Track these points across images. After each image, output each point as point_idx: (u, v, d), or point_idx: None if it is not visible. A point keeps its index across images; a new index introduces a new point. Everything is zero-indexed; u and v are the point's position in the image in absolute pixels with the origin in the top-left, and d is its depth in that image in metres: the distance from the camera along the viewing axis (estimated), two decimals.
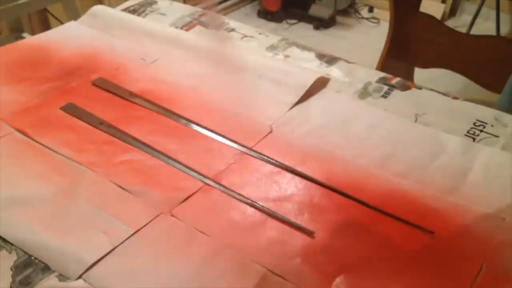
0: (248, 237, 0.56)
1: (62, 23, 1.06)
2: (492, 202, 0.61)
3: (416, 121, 0.75)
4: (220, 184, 0.63)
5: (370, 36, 2.46)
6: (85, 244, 0.54)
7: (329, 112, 0.77)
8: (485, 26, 2.29)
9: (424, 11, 1.64)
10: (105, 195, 0.61)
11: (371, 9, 2.72)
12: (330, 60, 0.91)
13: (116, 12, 1.03)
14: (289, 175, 0.66)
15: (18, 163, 0.65)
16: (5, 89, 0.79)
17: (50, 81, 0.82)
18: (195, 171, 0.65)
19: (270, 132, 0.73)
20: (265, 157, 0.68)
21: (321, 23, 2.56)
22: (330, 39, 2.48)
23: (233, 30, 1.00)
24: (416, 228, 0.58)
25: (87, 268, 0.52)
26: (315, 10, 2.58)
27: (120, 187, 0.62)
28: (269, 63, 0.86)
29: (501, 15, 2.26)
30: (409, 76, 1.71)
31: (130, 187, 0.62)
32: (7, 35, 1.58)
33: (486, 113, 0.76)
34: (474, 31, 2.06)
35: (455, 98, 0.80)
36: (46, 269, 0.52)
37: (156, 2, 1.10)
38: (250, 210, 0.60)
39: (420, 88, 0.83)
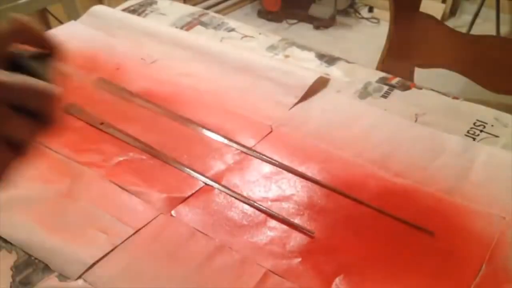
0: (248, 237, 0.56)
1: (62, 23, 1.06)
2: (492, 201, 0.61)
3: (416, 121, 0.75)
4: (220, 184, 0.63)
5: (370, 36, 2.46)
6: (85, 244, 0.54)
7: (329, 112, 0.77)
8: (485, 26, 2.29)
9: (424, 11, 1.64)
10: (105, 195, 0.61)
11: (371, 9, 2.72)
12: (330, 60, 0.91)
13: (116, 12, 1.03)
14: (289, 175, 0.66)
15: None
16: None
17: None
18: (195, 171, 0.65)
19: (270, 132, 0.73)
20: (265, 157, 0.68)
21: (321, 23, 2.56)
22: (330, 39, 2.48)
23: (233, 30, 1.00)
24: (416, 228, 0.58)
25: (87, 268, 0.52)
26: (315, 10, 2.58)
27: (120, 187, 0.62)
28: (269, 63, 0.86)
29: (501, 15, 2.26)
30: (409, 76, 1.71)
31: (130, 187, 0.62)
32: None
33: (486, 113, 0.76)
34: (474, 31, 2.06)
35: (455, 98, 0.80)
36: (46, 269, 0.52)
37: (156, 2, 1.10)
38: (250, 210, 0.60)
39: (420, 88, 0.83)
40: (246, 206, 0.61)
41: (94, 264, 0.52)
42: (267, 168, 0.67)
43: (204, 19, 1.04)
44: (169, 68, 0.87)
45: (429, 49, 1.62)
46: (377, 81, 0.84)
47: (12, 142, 0.33)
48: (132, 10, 1.07)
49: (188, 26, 1.02)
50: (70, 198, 0.60)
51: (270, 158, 0.68)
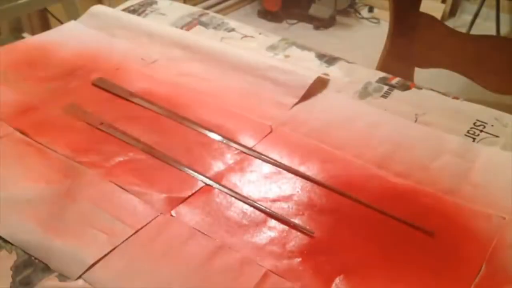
0: (248, 237, 0.56)
1: (62, 23, 1.06)
2: (492, 202, 0.61)
3: (416, 121, 0.75)
4: (220, 184, 0.63)
5: (370, 36, 2.46)
6: (85, 244, 0.54)
7: (329, 112, 0.77)
8: (485, 26, 2.29)
9: (424, 11, 1.64)
10: (105, 195, 0.61)
11: (371, 9, 2.71)
12: (330, 60, 0.91)
13: (115, 12, 1.03)
14: (289, 175, 0.66)
15: (18, 163, 0.65)
16: (5, 89, 0.79)
17: (50, 81, 0.82)
18: (195, 171, 0.65)
19: (270, 132, 0.73)
20: (265, 157, 0.68)
21: (321, 23, 2.56)
22: (330, 39, 2.48)
23: (233, 30, 1.00)
24: (416, 228, 0.58)
25: (87, 268, 0.52)
26: (315, 10, 2.58)
27: (120, 187, 0.62)
28: (269, 63, 0.86)
29: (501, 15, 2.26)
30: (409, 76, 1.71)
31: (130, 187, 0.62)
32: (7, 35, 1.58)
33: (486, 113, 0.76)
34: (474, 31, 2.06)
35: (455, 98, 0.80)
36: (46, 269, 0.52)
37: (156, 2, 1.10)
38: (250, 210, 0.60)
39: (420, 88, 0.83)
40: (246, 206, 0.61)
41: (94, 264, 0.52)
42: (267, 168, 0.67)
43: (204, 19, 1.04)
44: (169, 68, 0.87)
45: (429, 49, 1.62)
46: (377, 81, 0.84)
47: None
48: (132, 10, 1.07)
49: (188, 26, 1.02)
50: (70, 198, 0.60)
51: (270, 158, 0.68)
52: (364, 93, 0.81)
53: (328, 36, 2.51)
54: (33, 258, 0.53)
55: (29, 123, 0.72)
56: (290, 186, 0.64)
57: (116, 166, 0.65)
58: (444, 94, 0.81)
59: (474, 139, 0.72)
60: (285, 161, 0.67)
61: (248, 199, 0.61)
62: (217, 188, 0.63)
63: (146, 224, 0.57)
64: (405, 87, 0.83)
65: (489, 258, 0.54)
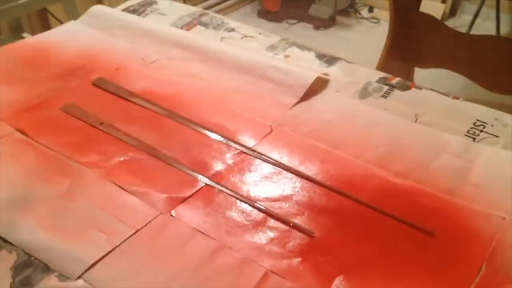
0: (248, 237, 0.56)
1: (62, 23, 1.06)
2: (492, 201, 0.61)
3: (416, 121, 0.75)
4: (220, 184, 0.63)
5: (370, 36, 2.46)
6: (85, 244, 0.54)
7: (329, 112, 0.77)
8: (485, 26, 2.29)
9: (424, 11, 1.64)
10: (105, 195, 0.61)
11: (371, 9, 2.71)
12: (330, 60, 0.91)
13: (115, 12, 1.03)
14: (289, 175, 0.66)
15: (18, 163, 0.65)
16: (5, 89, 0.79)
17: (50, 81, 0.82)
18: (195, 171, 0.65)
19: (270, 132, 0.73)
20: (265, 157, 0.68)
21: (321, 23, 2.56)
22: (330, 39, 2.48)
23: (233, 30, 1.00)
24: (416, 228, 0.58)
25: (87, 268, 0.52)
26: (315, 10, 2.58)
27: (120, 187, 0.62)
28: (269, 63, 0.86)
29: (501, 15, 2.26)
30: (409, 76, 1.71)
31: (130, 187, 0.62)
32: (7, 35, 1.58)
33: (486, 113, 0.76)
34: (474, 31, 2.06)
35: (455, 98, 0.80)
36: (46, 269, 0.52)
37: (156, 2, 1.10)
38: (250, 210, 0.60)
39: (420, 88, 0.83)
40: (246, 206, 0.61)
41: (94, 264, 0.52)
42: (267, 168, 0.67)
43: (204, 19, 1.04)
44: (169, 68, 0.87)
45: (429, 49, 1.62)
46: (377, 81, 0.84)
47: None
48: (132, 10, 1.07)
49: (188, 26, 1.02)
50: (70, 198, 0.60)
51: (270, 158, 0.68)
52: (364, 93, 0.81)
53: (328, 36, 2.51)
54: (33, 258, 0.53)
55: (29, 123, 0.72)
56: (290, 186, 0.64)
57: (116, 166, 0.65)
58: (444, 94, 0.81)
59: (474, 139, 0.72)
60: (285, 161, 0.67)
61: (248, 199, 0.61)
62: (217, 188, 0.63)
63: (146, 224, 0.57)
64: (405, 87, 0.83)
65: (489, 258, 0.54)
